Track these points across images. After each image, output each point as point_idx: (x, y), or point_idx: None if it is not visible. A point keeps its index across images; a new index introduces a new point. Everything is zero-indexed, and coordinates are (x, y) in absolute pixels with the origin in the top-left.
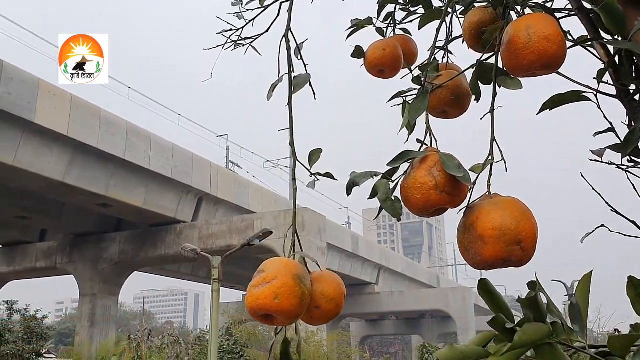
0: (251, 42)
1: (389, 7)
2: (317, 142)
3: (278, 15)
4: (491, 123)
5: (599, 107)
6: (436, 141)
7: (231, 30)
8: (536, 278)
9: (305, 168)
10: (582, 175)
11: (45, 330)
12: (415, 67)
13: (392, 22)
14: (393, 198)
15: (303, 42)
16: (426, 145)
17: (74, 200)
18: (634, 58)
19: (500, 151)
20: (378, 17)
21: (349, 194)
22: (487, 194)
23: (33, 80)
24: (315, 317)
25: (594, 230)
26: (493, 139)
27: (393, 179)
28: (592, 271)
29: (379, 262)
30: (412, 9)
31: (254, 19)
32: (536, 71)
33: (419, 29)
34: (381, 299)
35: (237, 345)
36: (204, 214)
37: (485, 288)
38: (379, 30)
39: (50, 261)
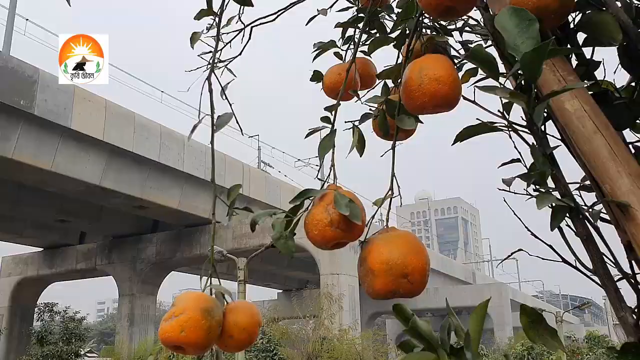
0: (226, 65)
1: (351, 30)
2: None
3: (249, 38)
4: (392, 160)
5: (510, 138)
6: (335, 179)
7: (210, 52)
8: (447, 303)
9: (225, 203)
10: (504, 200)
11: (84, 331)
12: (366, 93)
13: (352, 45)
14: (287, 236)
15: (228, 84)
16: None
17: (111, 203)
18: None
19: (398, 186)
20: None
21: (253, 230)
22: (385, 227)
23: (68, 87)
24: (229, 346)
25: (511, 254)
26: (393, 175)
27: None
28: (489, 299)
29: None
30: (371, 32)
31: (229, 42)
32: (430, 111)
33: (368, 54)
34: (416, 296)
35: (270, 344)
36: (239, 214)
37: (400, 312)
38: (337, 54)
39: (90, 263)
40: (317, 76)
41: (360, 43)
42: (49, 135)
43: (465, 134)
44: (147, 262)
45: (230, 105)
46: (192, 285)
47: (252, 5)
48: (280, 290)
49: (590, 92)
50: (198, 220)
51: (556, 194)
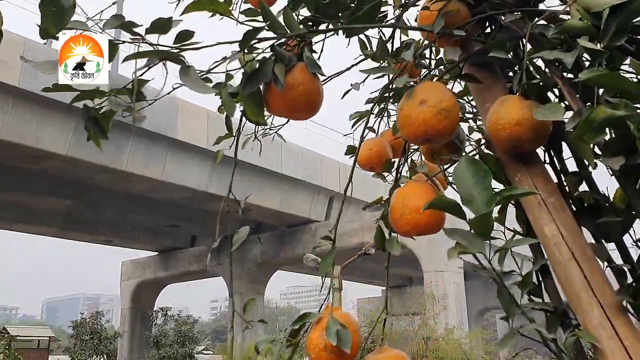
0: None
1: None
2: None
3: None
4: (386, 279)
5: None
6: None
7: None
8: None
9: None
10: None
11: (196, 333)
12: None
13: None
14: None
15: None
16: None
17: (217, 207)
18: None
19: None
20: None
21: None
22: (379, 346)
23: (172, 100)
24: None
25: None
26: (387, 297)
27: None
28: None
29: None
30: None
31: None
32: (415, 235)
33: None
34: None
35: (374, 344)
36: (336, 213)
37: None
38: (371, 129)
39: (202, 264)
40: (351, 150)
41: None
42: (157, 147)
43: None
44: (253, 262)
45: None
46: (297, 282)
47: (265, 124)
48: (383, 288)
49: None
50: (299, 220)
51: None
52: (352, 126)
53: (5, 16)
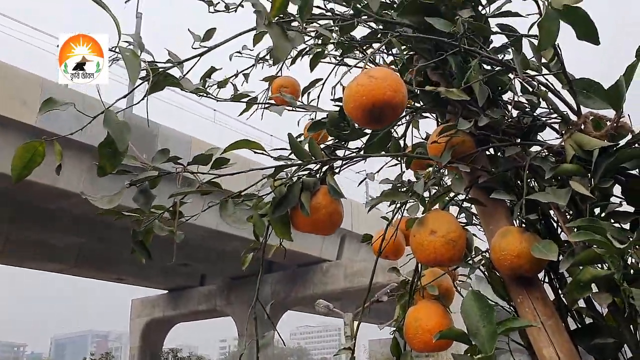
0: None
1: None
2: None
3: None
4: None
5: None
6: None
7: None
8: None
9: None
10: None
11: None
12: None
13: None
14: None
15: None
16: None
17: (228, 246)
18: None
19: None
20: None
21: None
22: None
23: (186, 139)
24: None
25: None
26: None
27: None
28: None
29: None
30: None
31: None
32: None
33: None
34: None
35: None
36: (348, 252)
37: None
38: (385, 218)
39: (211, 304)
40: (367, 238)
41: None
42: (169, 185)
43: None
44: (263, 302)
45: None
46: (307, 322)
47: (291, 240)
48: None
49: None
50: (310, 259)
51: None
52: (369, 211)
53: (24, 56)
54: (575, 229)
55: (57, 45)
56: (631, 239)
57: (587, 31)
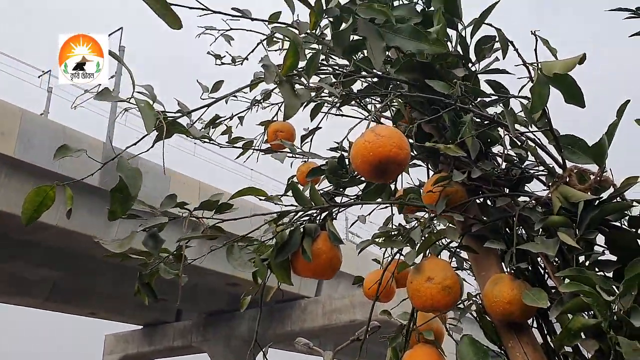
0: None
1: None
2: None
3: None
4: None
5: None
6: None
7: None
8: None
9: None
10: None
11: None
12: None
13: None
14: None
15: None
16: None
17: (205, 281)
18: None
19: None
20: None
21: None
22: None
23: (165, 174)
24: None
25: None
26: None
27: None
28: None
29: None
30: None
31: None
32: None
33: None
34: None
35: None
36: (327, 289)
37: None
38: (376, 260)
39: (187, 340)
40: (358, 280)
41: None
42: (147, 219)
43: None
44: (240, 339)
45: None
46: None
47: (292, 284)
48: None
49: None
50: (288, 296)
51: None
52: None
53: (3, 86)
54: (565, 279)
55: (39, 76)
56: (618, 292)
57: (574, 96)
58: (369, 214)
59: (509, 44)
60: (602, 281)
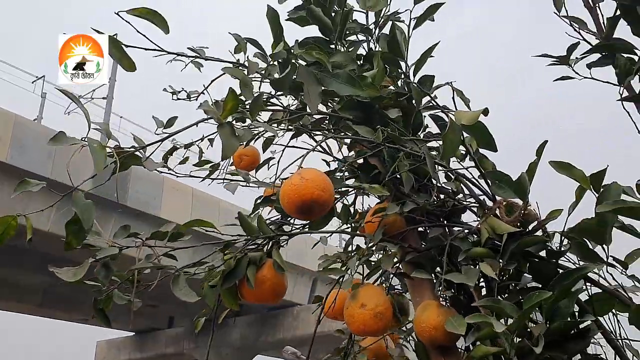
0: None
1: None
2: None
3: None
4: None
5: None
6: None
7: None
8: None
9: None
10: None
11: None
12: None
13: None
14: None
15: None
16: None
17: (197, 287)
18: None
19: None
20: None
21: None
22: None
23: (158, 179)
24: None
25: None
26: None
27: None
28: None
29: None
30: None
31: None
32: None
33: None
34: None
35: None
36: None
37: None
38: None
39: (179, 347)
40: (318, 299)
41: None
42: (140, 224)
43: None
44: (231, 346)
45: None
46: None
47: (238, 309)
48: None
49: None
50: (281, 303)
51: None
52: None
53: None
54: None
55: (32, 82)
56: (510, 324)
57: (486, 141)
58: (330, 235)
59: (449, 84)
60: (515, 310)
